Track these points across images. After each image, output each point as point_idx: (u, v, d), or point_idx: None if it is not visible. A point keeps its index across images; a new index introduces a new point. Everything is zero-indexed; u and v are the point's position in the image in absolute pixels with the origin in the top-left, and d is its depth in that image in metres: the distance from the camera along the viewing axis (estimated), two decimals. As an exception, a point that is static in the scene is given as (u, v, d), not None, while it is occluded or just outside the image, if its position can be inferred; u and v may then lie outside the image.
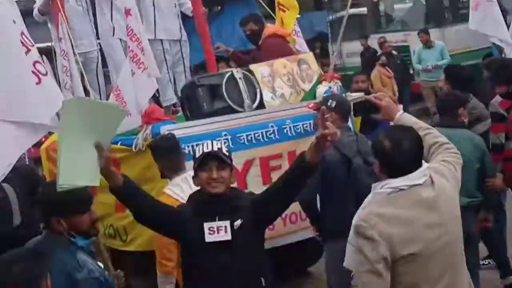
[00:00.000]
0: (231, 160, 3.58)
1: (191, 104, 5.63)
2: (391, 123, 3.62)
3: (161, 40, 6.97)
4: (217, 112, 5.51)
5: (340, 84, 6.09)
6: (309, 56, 6.35)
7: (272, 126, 5.43)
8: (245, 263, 3.47)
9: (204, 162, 3.50)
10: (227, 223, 3.45)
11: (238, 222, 3.46)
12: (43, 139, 7.42)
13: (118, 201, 5.43)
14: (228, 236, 3.44)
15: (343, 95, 5.91)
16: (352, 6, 7.84)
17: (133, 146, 5.19)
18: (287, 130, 5.46)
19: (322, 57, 16.36)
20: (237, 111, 5.57)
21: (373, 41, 15.27)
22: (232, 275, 3.45)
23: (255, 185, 5.12)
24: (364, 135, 5.12)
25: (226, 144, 3.67)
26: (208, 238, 3.44)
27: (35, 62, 4.00)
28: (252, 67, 6.00)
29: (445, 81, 6.05)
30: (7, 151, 3.79)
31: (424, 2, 16.00)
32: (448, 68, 6.39)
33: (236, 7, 14.12)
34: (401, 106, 5.39)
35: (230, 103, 5.58)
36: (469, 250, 5.01)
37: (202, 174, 3.51)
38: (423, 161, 3.14)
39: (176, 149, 4.57)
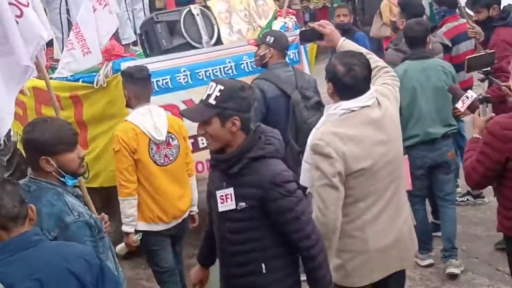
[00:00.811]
0: (224, 108, 2.99)
1: (150, 41, 5.74)
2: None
3: (120, -24, 7.01)
4: (176, 49, 5.64)
5: (295, 19, 6.26)
6: (265, -8, 6.50)
7: (229, 62, 5.59)
8: (244, 243, 3.13)
9: None
10: (231, 190, 3.10)
11: (242, 205, 3.07)
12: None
13: (81, 138, 5.64)
14: (233, 205, 3.10)
15: (298, 30, 6.09)
16: None
17: (95, 83, 5.27)
18: (244, 66, 5.63)
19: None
20: (196, 47, 5.71)
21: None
22: (231, 253, 3.19)
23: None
24: (301, 70, 5.26)
25: (221, 87, 3.02)
26: (220, 207, 3.14)
27: None
28: (210, 3, 6.14)
29: (400, 14, 6.12)
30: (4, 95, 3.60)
31: None
32: (403, 1, 6.46)
33: None
34: None
35: (188, 39, 5.72)
36: (447, 178, 5.32)
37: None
38: (370, 84, 3.40)
39: (147, 80, 4.64)
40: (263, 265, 3.12)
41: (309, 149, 3.35)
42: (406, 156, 5.15)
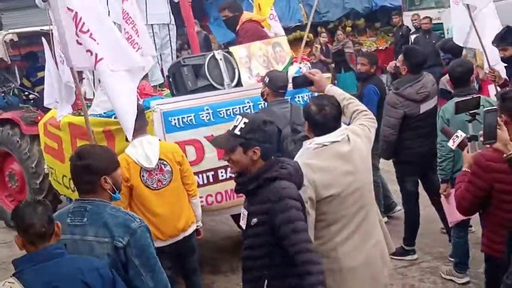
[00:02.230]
0: (247, 139, 3.41)
1: (177, 82, 6.29)
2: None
3: (152, 25, 7.59)
4: (200, 89, 6.18)
5: (310, 65, 6.78)
6: (283, 40, 7.04)
7: (248, 102, 6.11)
8: (255, 259, 3.47)
9: None
10: (245, 212, 3.50)
11: (254, 220, 3.40)
12: (39, 118, 8.07)
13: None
14: (243, 225, 3.52)
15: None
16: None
17: (126, 119, 5.79)
18: (261, 106, 6.08)
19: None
20: (218, 89, 6.26)
21: (407, 18, 15.12)
22: (245, 269, 3.56)
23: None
24: (299, 106, 5.58)
25: (246, 120, 3.46)
26: (242, 223, 3.55)
27: None
28: (232, 49, 6.67)
29: (402, 62, 6.35)
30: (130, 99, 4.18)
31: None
32: (407, 49, 6.75)
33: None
34: None
35: (212, 81, 6.28)
36: None
37: None
38: (342, 123, 3.88)
39: (140, 114, 5.11)
40: (265, 282, 3.41)
41: None
42: None
